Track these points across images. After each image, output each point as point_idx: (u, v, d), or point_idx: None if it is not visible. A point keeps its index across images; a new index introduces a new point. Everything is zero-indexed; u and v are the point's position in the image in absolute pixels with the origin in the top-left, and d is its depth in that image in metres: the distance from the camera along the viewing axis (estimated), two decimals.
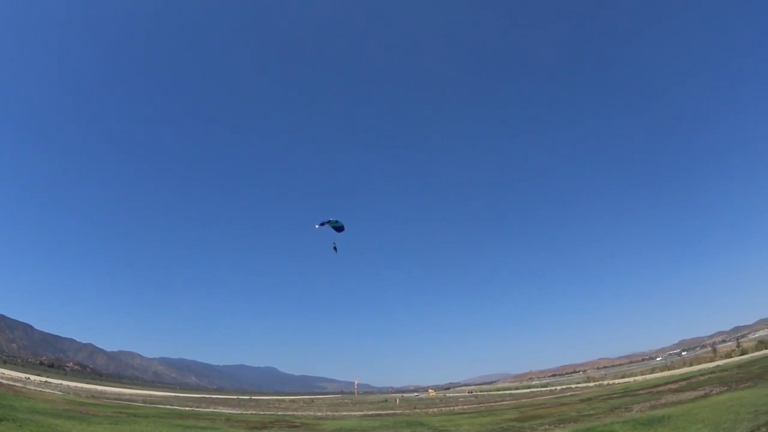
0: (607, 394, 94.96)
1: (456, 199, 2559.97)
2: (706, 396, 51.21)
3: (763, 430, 27.10)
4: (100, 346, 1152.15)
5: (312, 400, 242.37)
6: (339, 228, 68.30)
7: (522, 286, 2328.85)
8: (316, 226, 66.70)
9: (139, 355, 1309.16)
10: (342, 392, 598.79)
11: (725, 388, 54.40)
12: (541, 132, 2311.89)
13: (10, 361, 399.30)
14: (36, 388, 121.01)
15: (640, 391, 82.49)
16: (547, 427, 46.20)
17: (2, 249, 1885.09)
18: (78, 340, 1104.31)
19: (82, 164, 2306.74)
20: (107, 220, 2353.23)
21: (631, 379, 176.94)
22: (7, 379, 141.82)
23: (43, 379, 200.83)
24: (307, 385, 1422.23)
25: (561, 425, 46.12)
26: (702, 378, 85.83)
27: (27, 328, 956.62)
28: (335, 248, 69.41)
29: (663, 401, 53.95)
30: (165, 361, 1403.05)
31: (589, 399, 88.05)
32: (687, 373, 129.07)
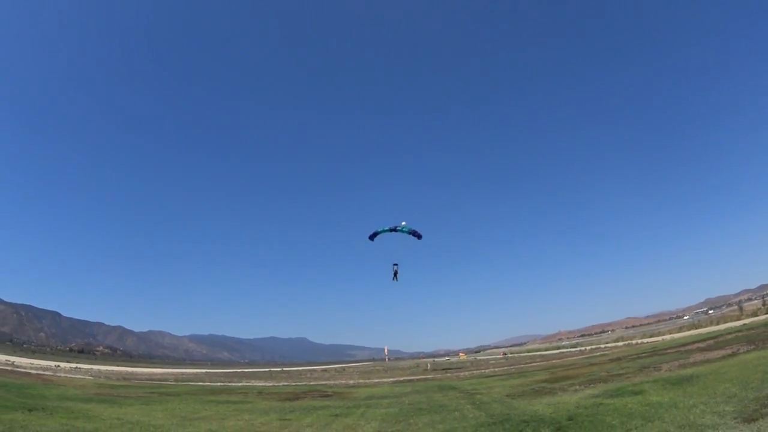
0: (635, 354, 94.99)
1: (484, 162, 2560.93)
2: (733, 355, 50.90)
3: None
4: (130, 328, 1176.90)
5: (343, 369, 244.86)
6: (414, 234, 55.69)
7: (550, 247, 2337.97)
8: (372, 239, 56.47)
9: (169, 333, 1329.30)
10: (373, 359, 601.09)
11: (752, 347, 54.10)
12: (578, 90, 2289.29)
13: (38, 351, 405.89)
14: (66, 375, 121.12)
15: (669, 350, 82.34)
16: (577, 387, 46.34)
17: (26, 241, 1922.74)
18: (107, 323, 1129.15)
19: (99, 151, 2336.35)
20: (128, 203, 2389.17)
21: (659, 338, 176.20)
22: (36, 368, 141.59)
23: (73, 365, 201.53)
24: (338, 353, 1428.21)
25: (591, 385, 46.16)
26: (729, 337, 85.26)
27: (55, 315, 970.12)
28: (396, 273, 57.22)
29: (691, 360, 53.76)
30: (195, 338, 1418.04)
31: (618, 359, 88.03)
32: (714, 331, 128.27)
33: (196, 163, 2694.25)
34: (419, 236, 55.19)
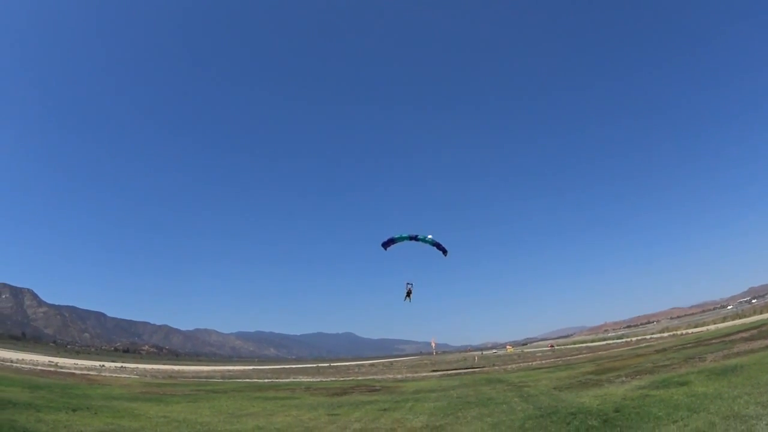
0: (681, 344, 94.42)
1: (525, 156, 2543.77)
2: None
3: None
4: (176, 327, 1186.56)
5: (391, 363, 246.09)
6: (439, 248, 49.51)
7: (595, 239, 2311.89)
8: (386, 247, 49.35)
9: (216, 331, 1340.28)
10: (421, 353, 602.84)
11: None
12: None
13: (83, 351, 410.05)
14: (111, 375, 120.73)
15: (713, 341, 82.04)
16: (623, 378, 46.48)
17: (70, 242, 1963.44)
18: (152, 322, 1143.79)
19: (141, 153, 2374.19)
20: (173, 203, 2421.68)
21: (703, 329, 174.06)
22: (81, 369, 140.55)
23: (118, 364, 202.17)
24: (385, 348, 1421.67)
25: (637, 377, 46.22)
26: None
27: (99, 316, 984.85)
28: (409, 293, 51.48)
29: (735, 350, 53.84)
30: (242, 336, 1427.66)
31: (664, 349, 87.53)
32: (758, 321, 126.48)
33: (243, 163, 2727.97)
34: (445, 251, 49.77)
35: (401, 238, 48.75)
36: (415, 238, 48.61)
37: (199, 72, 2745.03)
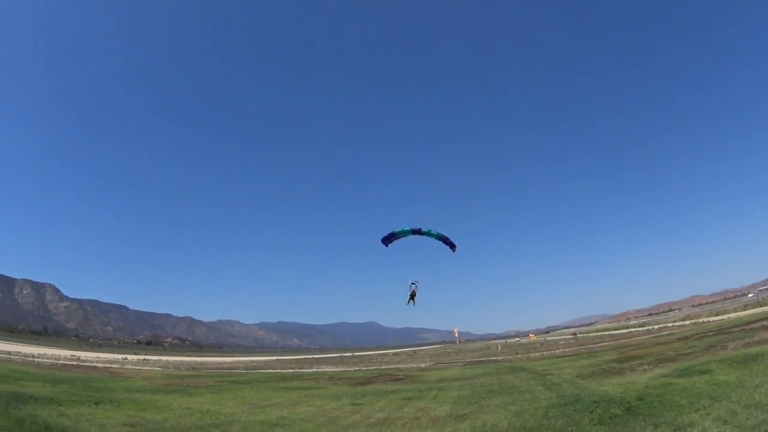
0: (702, 333, 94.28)
1: (544, 143, 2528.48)
2: None
3: None
4: (199, 318, 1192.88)
5: (414, 352, 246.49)
6: (446, 242, 45.73)
7: (617, 228, 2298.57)
8: (386, 243, 45.87)
9: (239, 322, 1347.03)
10: (444, 342, 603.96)
11: None
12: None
13: (105, 345, 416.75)
14: (134, 367, 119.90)
15: (734, 329, 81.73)
16: (646, 367, 46.43)
17: (90, 236, 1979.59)
18: (175, 314, 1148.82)
19: (164, 146, 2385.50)
20: (192, 194, 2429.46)
21: (724, 317, 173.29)
22: (104, 362, 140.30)
23: (141, 357, 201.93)
24: (409, 337, 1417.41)
25: (660, 365, 46.13)
26: None
27: (122, 309, 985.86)
28: (413, 296, 45.95)
29: (757, 338, 53.89)
30: (265, 326, 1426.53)
31: (686, 338, 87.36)
32: None
33: (263, 154, 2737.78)
34: (453, 246, 45.95)
35: (403, 233, 45.63)
36: (419, 231, 45.18)
37: (222, 70, 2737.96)
